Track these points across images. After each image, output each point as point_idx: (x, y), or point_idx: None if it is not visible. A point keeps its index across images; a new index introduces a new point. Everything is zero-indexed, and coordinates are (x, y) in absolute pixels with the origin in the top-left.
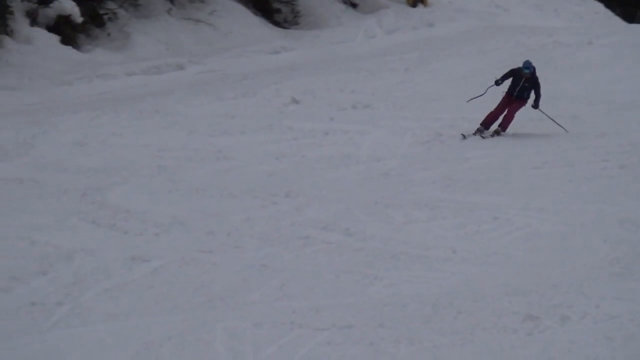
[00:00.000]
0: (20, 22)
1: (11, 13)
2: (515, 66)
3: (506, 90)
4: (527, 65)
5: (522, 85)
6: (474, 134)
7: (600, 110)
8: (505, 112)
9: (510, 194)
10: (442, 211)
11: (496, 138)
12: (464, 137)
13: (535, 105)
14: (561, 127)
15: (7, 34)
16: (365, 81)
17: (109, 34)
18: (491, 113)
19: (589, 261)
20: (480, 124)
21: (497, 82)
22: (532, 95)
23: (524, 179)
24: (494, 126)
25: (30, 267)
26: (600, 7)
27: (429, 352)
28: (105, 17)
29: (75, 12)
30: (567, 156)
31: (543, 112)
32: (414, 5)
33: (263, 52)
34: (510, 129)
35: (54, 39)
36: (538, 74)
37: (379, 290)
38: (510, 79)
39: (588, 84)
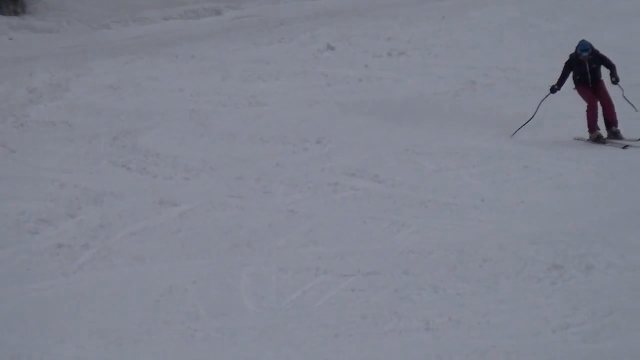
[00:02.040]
0: None
1: None
2: (567, 56)
3: (577, 84)
4: (585, 46)
5: (590, 69)
6: (594, 140)
7: (638, 60)
8: (600, 100)
9: (542, 143)
10: (472, 159)
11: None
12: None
13: (615, 80)
14: (632, 105)
15: None
16: (401, 28)
17: None
18: (589, 112)
19: (616, 211)
20: (591, 132)
21: (554, 89)
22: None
23: (557, 128)
24: (602, 127)
25: (59, 209)
26: None
27: (452, 299)
28: None
29: None
30: None
31: (622, 89)
32: None
33: None
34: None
35: None
36: (576, 22)
37: (405, 237)
38: (571, 73)
39: (626, 33)
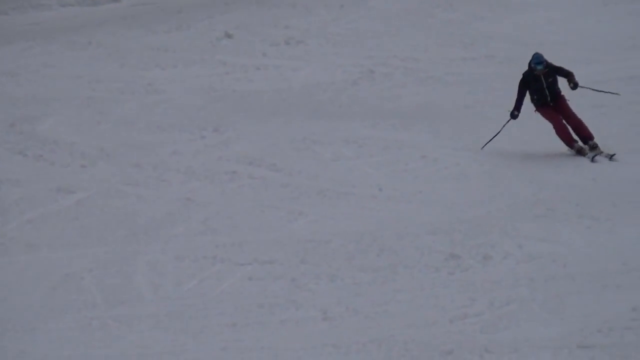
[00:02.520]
0: None
1: None
2: (519, 75)
3: (537, 106)
4: (539, 59)
5: (547, 84)
6: (578, 153)
7: (532, 51)
8: (567, 120)
9: (440, 132)
10: (370, 149)
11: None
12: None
13: (574, 86)
14: (612, 93)
15: None
16: (299, 17)
17: None
18: (558, 131)
19: (514, 202)
20: (571, 148)
21: (514, 115)
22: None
23: (454, 118)
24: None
25: None
26: None
27: (350, 288)
28: None
29: None
30: (498, 97)
31: (587, 88)
32: None
33: None
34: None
35: None
36: (474, 12)
37: (303, 226)
38: (527, 92)
39: (522, 24)
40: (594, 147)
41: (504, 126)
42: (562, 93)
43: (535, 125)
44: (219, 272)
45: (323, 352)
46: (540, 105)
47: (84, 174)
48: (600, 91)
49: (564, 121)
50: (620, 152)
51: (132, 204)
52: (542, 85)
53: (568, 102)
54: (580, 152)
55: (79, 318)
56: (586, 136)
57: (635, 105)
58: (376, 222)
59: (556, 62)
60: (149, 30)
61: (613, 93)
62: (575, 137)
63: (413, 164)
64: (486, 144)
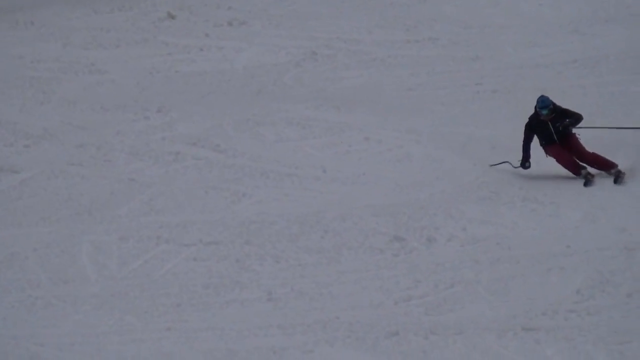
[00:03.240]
0: None
1: None
2: (526, 118)
3: (545, 146)
4: (544, 103)
5: (555, 128)
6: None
7: (476, 34)
8: (580, 157)
9: (383, 115)
10: (314, 130)
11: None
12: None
13: (564, 127)
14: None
15: None
16: None
17: None
18: (562, 163)
19: (458, 184)
20: (578, 176)
21: (525, 167)
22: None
23: (397, 100)
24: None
25: None
26: None
27: (294, 269)
28: None
29: None
30: (441, 79)
31: (610, 127)
32: None
33: None
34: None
35: None
36: None
37: (247, 207)
38: (534, 136)
39: (466, 7)
40: (618, 175)
41: (515, 167)
42: (573, 131)
43: (478, 110)
44: (163, 253)
45: (268, 333)
46: (549, 145)
47: (28, 154)
48: (622, 128)
49: (573, 157)
50: None
51: (75, 184)
52: (549, 131)
53: (579, 137)
54: (587, 179)
55: (23, 297)
56: (609, 166)
57: (578, 88)
58: (320, 203)
59: (499, 45)
60: (92, 10)
61: (635, 128)
62: (581, 163)
63: (357, 146)
64: (496, 165)
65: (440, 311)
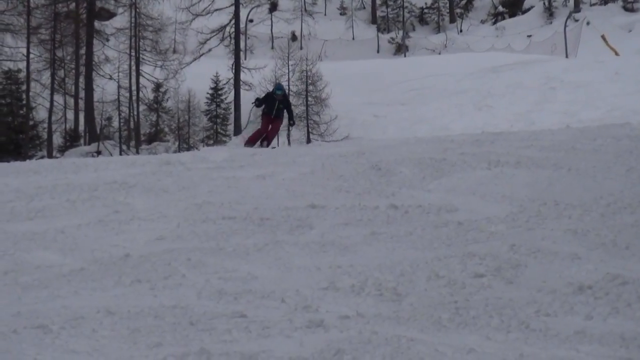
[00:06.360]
0: None
1: None
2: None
3: (263, 114)
4: (279, 87)
5: (277, 107)
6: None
7: None
8: (269, 129)
9: None
10: None
11: None
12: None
13: (292, 123)
14: None
15: None
16: None
17: None
18: (256, 134)
19: None
20: (246, 144)
21: (257, 104)
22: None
23: None
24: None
25: None
26: None
27: None
28: None
29: None
30: None
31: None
32: None
33: None
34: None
35: None
36: None
37: None
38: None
39: None
40: (262, 144)
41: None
42: (282, 117)
43: None
44: None
45: None
46: (265, 114)
47: None
48: None
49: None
50: None
51: None
52: (274, 106)
53: (279, 124)
54: (249, 144)
55: None
56: (267, 140)
57: None
58: None
59: None
60: None
61: None
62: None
63: None
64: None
65: None
